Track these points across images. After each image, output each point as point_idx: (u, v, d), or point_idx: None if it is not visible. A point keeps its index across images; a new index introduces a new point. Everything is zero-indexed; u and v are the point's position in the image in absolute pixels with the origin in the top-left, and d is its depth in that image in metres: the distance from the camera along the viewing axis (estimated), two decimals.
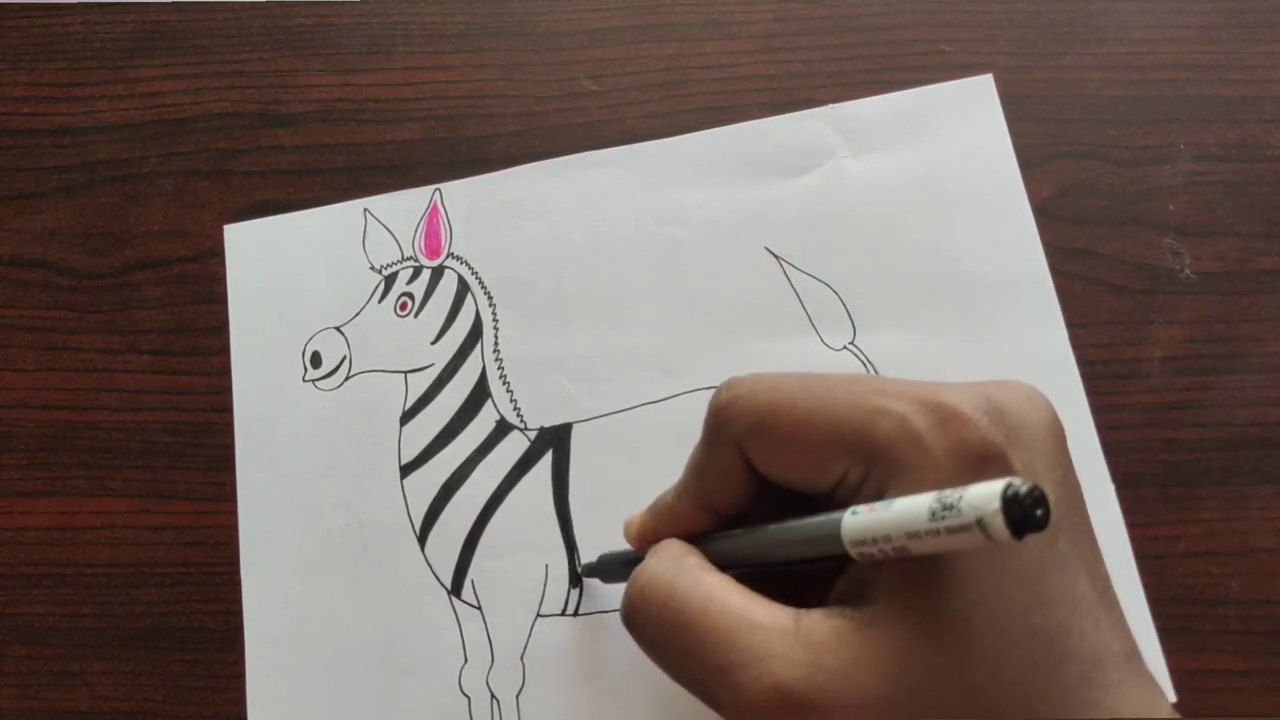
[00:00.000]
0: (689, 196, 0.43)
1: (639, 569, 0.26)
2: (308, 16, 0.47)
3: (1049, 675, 0.22)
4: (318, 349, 0.42)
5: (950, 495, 0.20)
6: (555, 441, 0.40)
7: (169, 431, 0.43)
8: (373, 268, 0.43)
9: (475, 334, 0.42)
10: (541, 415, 0.41)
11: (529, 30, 0.46)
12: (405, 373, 0.41)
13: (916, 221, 0.41)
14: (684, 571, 0.25)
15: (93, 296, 0.44)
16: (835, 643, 0.22)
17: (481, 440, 0.40)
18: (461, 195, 0.44)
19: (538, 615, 0.38)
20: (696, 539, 0.28)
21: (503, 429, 0.40)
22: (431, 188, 0.44)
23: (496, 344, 0.41)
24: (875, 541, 0.21)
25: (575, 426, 0.40)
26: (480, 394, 0.41)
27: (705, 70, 0.45)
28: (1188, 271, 0.41)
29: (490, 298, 0.42)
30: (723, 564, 0.27)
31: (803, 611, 0.23)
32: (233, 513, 0.41)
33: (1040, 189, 0.42)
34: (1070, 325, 0.40)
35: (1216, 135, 0.42)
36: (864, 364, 0.40)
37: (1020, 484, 0.19)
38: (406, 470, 0.40)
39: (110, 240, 0.45)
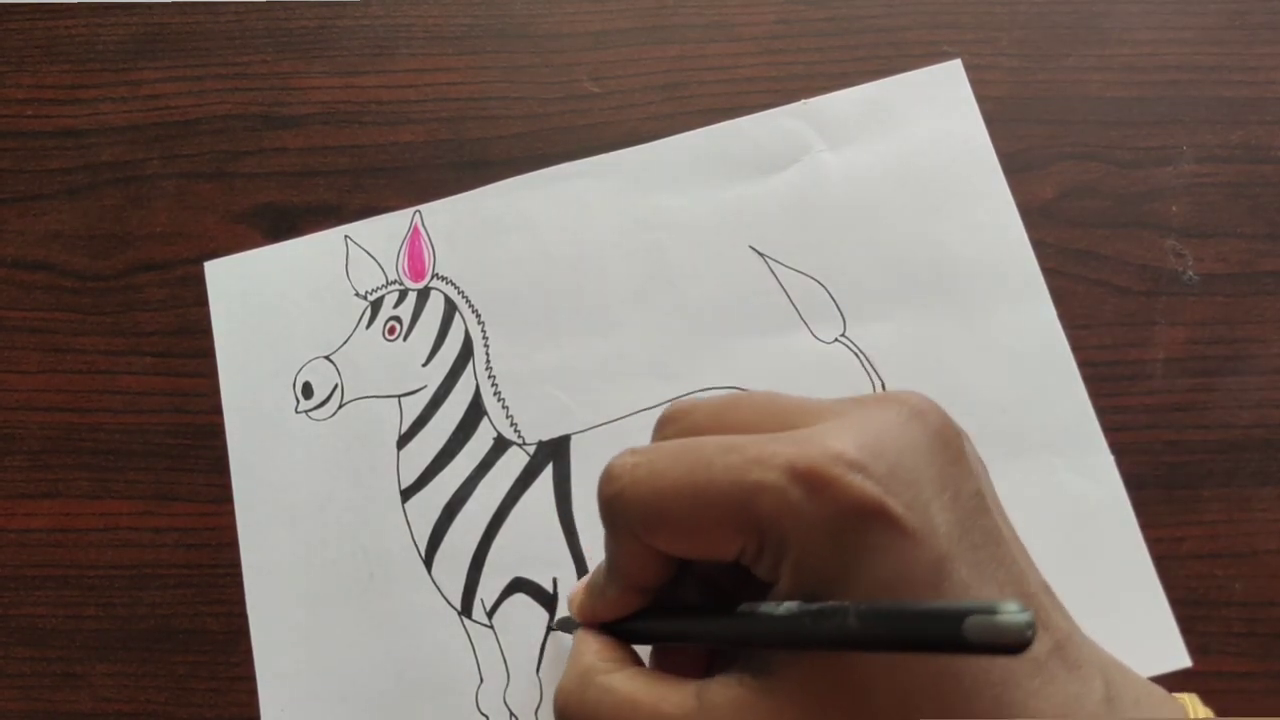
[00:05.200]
0: (670, 200, 0.43)
1: (558, 687, 0.27)
2: (310, 19, 0.47)
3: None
4: (308, 379, 0.42)
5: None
6: (554, 454, 0.40)
7: (172, 434, 0.43)
8: (358, 294, 0.43)
9: (466, 353, 0.42)
10: (539, 429, 0.41)
11: (531, 32, 0.46)
12: (398, 397, 0.41)
13: (897, 210, 0.42)
14: (589, 686, 0.25)
15: (96, 298, 0.44)
16: (735, 717, 0.23)
17: (480, 459, 0.40)
18: (442, 215, 0.43)
19: (550, 629, 0.39)
20: (629, 619, 0.28)
21: (501, 446, 0.40)
22: (412, 210, 0.44)
23: (488, 361, 0.41)
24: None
25: (573, 438, 0.40)
26: (475, 412, 0.41)
27: (708, 72, 0.45)
28: (1190, 273, 0.41)
29: (479, 316, 0.42)
30: (652, 640, 0.28)
31: (704, 684, 0.24)
32: (235, 515, 0.41)
33: (1042, 190, 0.42)
34: (1073, 327, 0.40)
35: (1219, 136, 0.42)
36: (856, 354, 0.40)
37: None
38: (407, 494, 0.40)
39: (113, 242, 0.45)
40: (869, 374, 0.40)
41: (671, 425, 0.26)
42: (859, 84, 0.44)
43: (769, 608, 0.23)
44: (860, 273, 0.41)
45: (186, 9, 0.47)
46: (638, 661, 0.27)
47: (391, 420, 0.41)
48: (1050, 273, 0.41)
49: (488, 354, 0.41)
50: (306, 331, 0.42)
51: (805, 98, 0.44)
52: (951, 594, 0.22)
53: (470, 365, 0.41)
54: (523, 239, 0.43)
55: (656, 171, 0.43)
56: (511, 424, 0.41)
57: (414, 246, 0.43)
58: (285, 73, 0.46)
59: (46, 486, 0.42)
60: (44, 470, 0.43)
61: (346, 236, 0.43)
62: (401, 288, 0.43)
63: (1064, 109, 0.43)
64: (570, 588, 0.38)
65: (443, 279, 0.43)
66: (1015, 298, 0.40)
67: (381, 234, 0.43)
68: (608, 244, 0.42)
